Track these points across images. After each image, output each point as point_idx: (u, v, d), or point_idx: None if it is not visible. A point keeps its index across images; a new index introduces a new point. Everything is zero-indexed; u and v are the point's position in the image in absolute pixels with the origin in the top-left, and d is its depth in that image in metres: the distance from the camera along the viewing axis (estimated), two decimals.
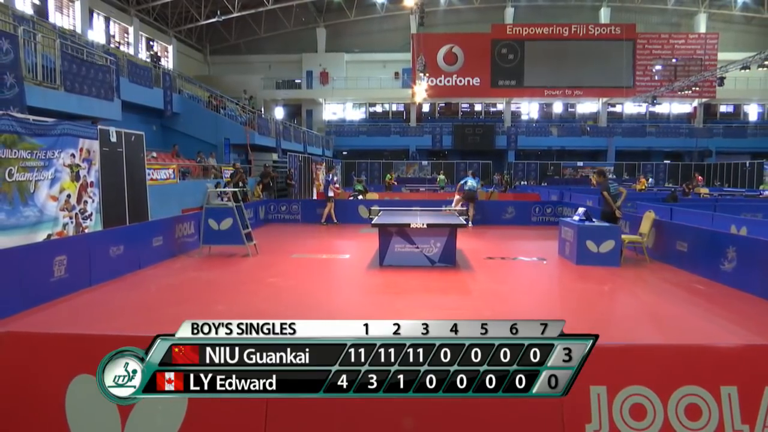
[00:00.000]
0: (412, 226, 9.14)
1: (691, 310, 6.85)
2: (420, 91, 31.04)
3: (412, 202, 17.33)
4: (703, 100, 38.52)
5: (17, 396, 2.88)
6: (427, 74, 30.70)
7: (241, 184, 18.12)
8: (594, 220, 10.18)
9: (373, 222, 9.44)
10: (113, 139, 10.96)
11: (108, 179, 10.67)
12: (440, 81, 37.63)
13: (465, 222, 9.70)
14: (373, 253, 10.64)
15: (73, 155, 9.79)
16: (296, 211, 16.80)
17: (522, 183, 35.65)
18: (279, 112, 36.97)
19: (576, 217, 10.23)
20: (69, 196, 9.68)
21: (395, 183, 29.73)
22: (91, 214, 10.32)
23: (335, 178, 16.85)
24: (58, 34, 13.94)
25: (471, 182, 15.66)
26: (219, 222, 10.24)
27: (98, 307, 6.78)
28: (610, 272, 9.04)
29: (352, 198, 18.58)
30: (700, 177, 30.80)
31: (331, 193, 15.92)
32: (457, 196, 15.78)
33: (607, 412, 2.81)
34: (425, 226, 9.13)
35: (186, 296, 7.41)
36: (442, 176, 31.78)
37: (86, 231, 9.96)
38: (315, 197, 23.82)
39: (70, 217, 9.70)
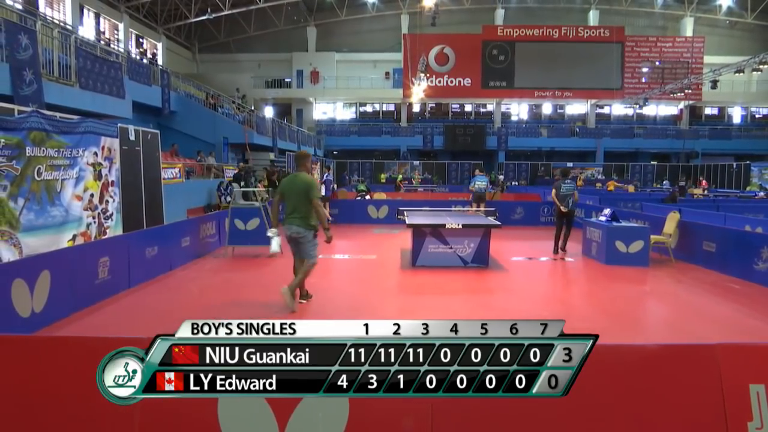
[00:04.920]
0: (447, 226, 9.13)
1: (739, 309, 6.95)
2: (419, 91, 31.05)
3: (419, 202, 17.32)
4: (689, 102, 39.24)
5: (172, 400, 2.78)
6: (428, 75, 30.72)
7: (243, 183, 17.92)
8: (621, 220, 10.29)
9: (407, 223, 9.40)
10: (132, 137, 10.75)
11: (127, 178, 10.45)
12: (432, 81, 37.73)
13: (498, 222, 9.69)
14: (399, 254, 10.62)
15: (95, 153, 9.57)
16: None
17: (513, 183, 35.89)
18: (269, 111, 36.64)
19: (603, 218, 10.33)
20: (92, 195, 9.45)
21: (406, 182, 30.02)
22: (112, 213, 10.09)
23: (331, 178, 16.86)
24: (68, 31, 13.62)
25: (478, 182, 15.59)
26: (245, 222, 10.10)
27: (151, 309, 6.62)
28: (642, 272, 9.13)
29: (359, 198, 18.51)
30: (704, 181, 31.18)
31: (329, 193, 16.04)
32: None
33: None
34: (460, 226, 9.12)
35: (233, 297, 7.26)
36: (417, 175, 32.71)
37: (108, 231, 9.75)
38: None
39: (93, 217, 9.48)
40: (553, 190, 10.94)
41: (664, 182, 33.75)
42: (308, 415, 2.76)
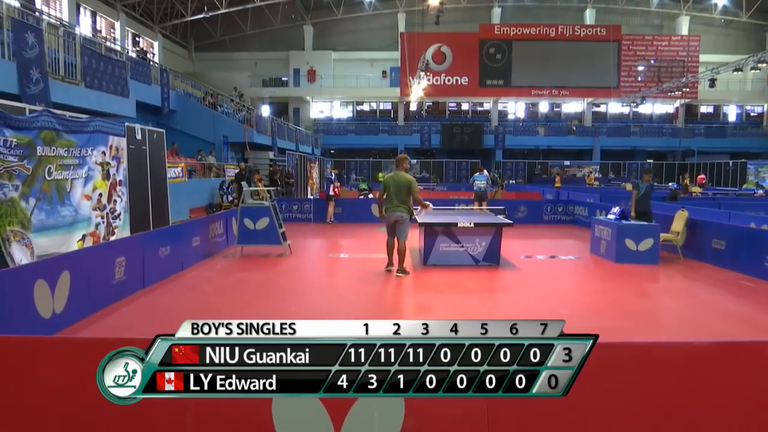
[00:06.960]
0: (459, 225, 9.13)
1: (756, 307, 6.97)
2: (418, 89, 31.02)
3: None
4: (685, 101, 39.45)
5: (225, 401, 2.76)
6: (429, 73, 30.68)
7: (245, 183, 17.85)
8: (629, 218, 10.32)
9: (419, 221, 9.38)
10: (138, 136, 10.68)
11: (134, 178, 10.38)
12: (429, 80, 37.73)
13: (510, 221, 9.69)
14: (407, 252, 10.58)
15: (104, 153, 9.49)
16: (308, 210, 16.62)
17: (511, 182, 35.96)
18: (265, 110, 36.52)
19: (611, 216, 10.36)
20: (101, 195, 9.38)
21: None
22: (120, 213, 10.02)
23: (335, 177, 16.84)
24: (73, 29, 13.51)
25: (477, 181, 15.61)
26: (255, 221, 10.06)
27: (168, 310, 6.57)
28: (653, 270, 9.16)
29: (362, 197, 18.51)
30: (701, 177, 31.08)
31: (332, 192, 16.00)
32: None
33: None
34: (473, 225, 9.12)
35: (249, 298, 7.21)
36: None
37: (116, 231, 9.68)
38: (310, 195, 23.67)
39: (102, 217, 9.41)
40: None
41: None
42: (364, 415, 2.74)
